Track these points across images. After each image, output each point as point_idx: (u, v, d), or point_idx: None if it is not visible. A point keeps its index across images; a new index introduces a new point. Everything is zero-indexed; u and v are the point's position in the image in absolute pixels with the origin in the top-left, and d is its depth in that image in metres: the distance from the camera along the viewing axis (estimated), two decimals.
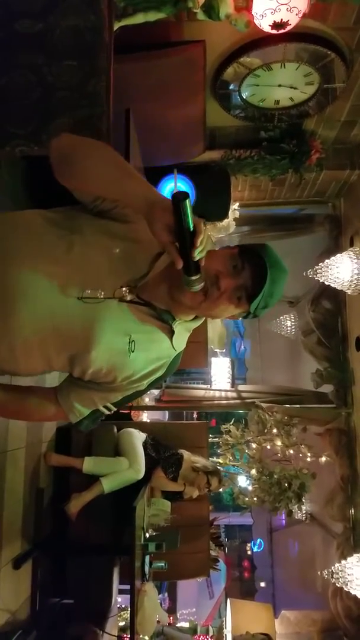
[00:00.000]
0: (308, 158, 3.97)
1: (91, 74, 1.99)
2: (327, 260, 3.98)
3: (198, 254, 1.02)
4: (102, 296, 1.14)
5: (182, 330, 1.27)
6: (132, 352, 1.18)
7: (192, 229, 1.00)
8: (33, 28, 1.92)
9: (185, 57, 2.99)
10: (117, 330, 1.17)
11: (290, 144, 3.93)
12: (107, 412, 1.31)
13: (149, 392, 5.50)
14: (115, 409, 1.32)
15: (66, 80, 1.95)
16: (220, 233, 4.74)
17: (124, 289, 1.16)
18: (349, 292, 3.98)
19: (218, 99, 3.64)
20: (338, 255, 3.95)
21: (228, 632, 4.56)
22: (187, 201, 0.98)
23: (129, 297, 1.16)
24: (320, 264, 3.98)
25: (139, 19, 2.59)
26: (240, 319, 1.31)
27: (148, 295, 1.19)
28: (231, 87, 3.59)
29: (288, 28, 2.75)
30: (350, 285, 3.86)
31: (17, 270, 1.13)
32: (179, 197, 0.97)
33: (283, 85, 3.48)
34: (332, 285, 3.97)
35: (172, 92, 3.14)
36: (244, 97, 3.60)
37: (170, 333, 1.24)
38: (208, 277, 1.13)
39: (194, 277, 1.07)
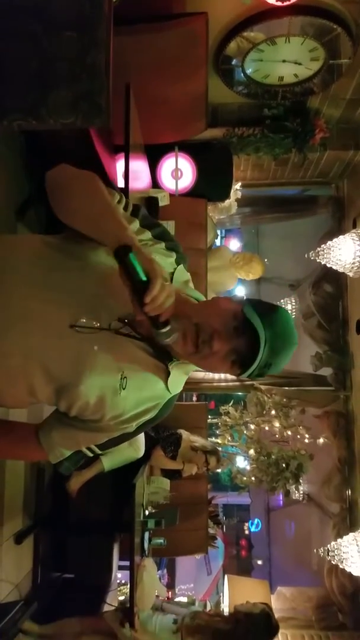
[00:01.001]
0: (312, 137, 3.91)
1: (90, 46, 1.95)
2: (329, 242, 3.95)
3: (152, 310, 0.94)
4: (97, 326, 1.06)
5: (179, 373, 1.18)
6: (124, 389, 1.09)
7: (145, 279, 0.92)
8: None
9: (187, 30, 2.92)
10: (110, 365, 1.08)
11: (294, 123, 3.87)
12: (89, 454, 1.20)
13: None
14: (99, 452, 1.21)
15: (65, 52, 1.91)
16: (222, 214, 4.70)
17: (120, 321, 1.08)
18: (350, 274, 3.96)
19: (220, 74, 3.57)
20: (340, 237, 3.92)
21: (225, 606, 4.64)
22: (131, 255, 0.91)
23: (125, 330, 1.08)
24: (322, 246, 3.95)
25: None
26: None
27: (146, 331, 1.09)
28: (234, 62, 3.53)
29: (293, 0, 2.68)
30: (352, 268, 3.83)
31: (8, 295, 1.08)
32: (120, 253, 0.91)
33: (287, 60, 3.41)
34: (334, 267, 3.94)
35: (173, 67, 3.07)
36: (247, 72, 3.54)
37: (166, 374, 1.14)
38: (203, 332, 1.06)
39: (161, 330, 0.98)
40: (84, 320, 1.06)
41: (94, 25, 1.91)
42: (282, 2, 2.67)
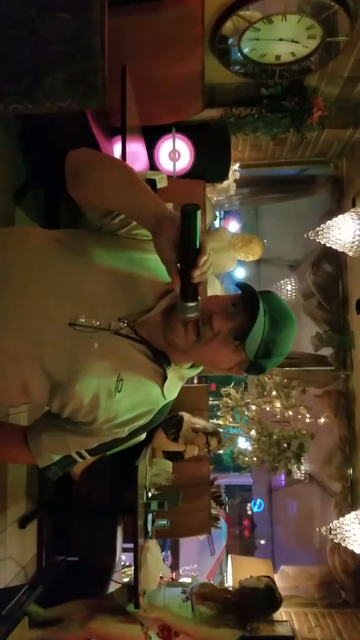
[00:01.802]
0: (310, 116, 3.88)
1: (85, 28, 1.92)
2: (328, 222, 3.94)
3: (198, 276, 0.93)
4: (96, 325, 1.04)
5: (176, 379, 1.15)
6: (119, 392, 1.07)
7: (198, 246, 0.91)
8: None
9: (182, 10, 2.88)
10: (107, 366, 1.06)
11: (291, 102, 3.83)
12: (79, 460, 1.15)
13: None
14: (89, 457, 1.16)
15: (59, 34, 1.89)
16: (220, 195, 4.67)
17: (121, 322, 1.06)
18: (350, 253, 3.95)
19: (217, 54, 3.52)
20: (340, 216, 3.91)
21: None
22: (198, 213, 0.89)
23: (124, 332, 1.06)
24: (321, 226, 3.94)
25: None
26: (244, 374, 1.16)
27: (146, 334, 1.08)
28: (230, 41, 3.48)
29: None
30: (352, 247, 3.83)
31: (5, 287, 1.05)
32: (189, 208, 0.88)
33: (284, 39, 3.36)
34: (334, 247, 3.94)
35: (169, 47, 3.03)
36: (244, 52, 3.49)
37: (163, 379, 1.11)
38: (202, 316, 1.03)
39: (190, 304, 0.97)
40: (83, 319, 1.03)
41: (89, 6, 1.88)
42: None
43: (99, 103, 1.86)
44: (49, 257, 1.08)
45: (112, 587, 3.92)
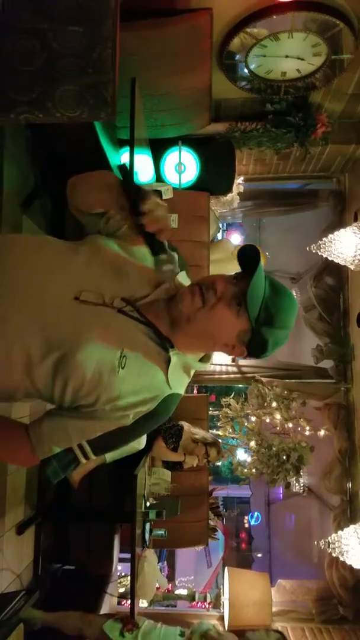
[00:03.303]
0: (314, 132, 3.93)
1: (97, 41, 1.97)
2: (330, 235, 3.97)
3: (148, 223, 1.06)
4: (99, 301, 1.09)
5: (180, 368, 1.17)
6: (122, 368, 1.07)
7: (139, 192, 1.04)
8: None
9: (191, 25, 2.94)
10: (110, 339, 1.08)
11: (296, 117, 3.89)
12: (81, 459, 1.12)
13: None
14: (92, 456, 1.12)
15: (71, 47, 1.93)
16: (224, 207, 4.72)
17: (123, 301, 1.11)
18: (352, 267, 3.99)
19: (224, 69, 3.58)
20: (342, 230, 3.94)
21: (225, 599, 4.68)
22: (125, 165, 1.05)
23: (125, 309, 1.11)
24: (323, 239, 3.97)
25: None
26: (245, 356, 1.18)
27: (151, 316, 1.13)
28: (237, 57, 3.54)
29: None
30: (353, 261, 3.86)
31: (15, 264, 1.12)
32: (123, 168, 1.04)
33: (290, 56, 3.42)
34: (335, 260, 3.97)
35: (178, 62, 3.08)
36: (251, 68, 3.55)
37: (167, 363, 1.13)
38: (205, 283, 1.11)
39: (162, 256, 1.10)
40: (88, 294, 1.09)
41: (101, 21, 1.93)
42: None
43: (109, 115, 1.90)
44: (57, 247, 1.19)
45: (107, 600, 3.91)
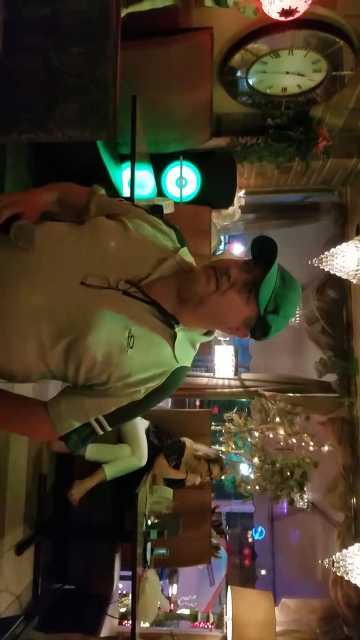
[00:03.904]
0: (315, 146, 3.94)
1: (98, 60, 1.97)
2: (332, 249, 3.95)
3: None
4: (105, 285, 1.14)
5: (186, 342, 1.22)
6: (131, 348, 1.13)
7: None
8: (40, 12, 1.90)
9: (192, 44, 2.96)
10: (117, 320, 1.13)
11: (297, 132, 3.90)
12: (99, 430, 1.19)
13: None
14: (108, 428, 1.20)
15: (73, 66, 1.93)
16: (226, 220, 4.72)
17: (128, 283, 1.16)
18: (354, 281, 3.96)
19: (225, 85, 3.60)
20: (344, 244, 3.93)
21: (228, 619, 4.61)
22: None
23: (131, 290, 1.15)
24: (325, 253, 3.95)
25: (146, 5, 2.56)
26: (248, 336, 1.23)
27: (156, 295, 1.17)
28: (238, 73, 3.56)
29: (296, 15, 2.71)
30: (355, 275, 3.84)
31: (23, 253, 1.15)
32: None
33: (290, 72, 3.44)
34: (338, 274, 3.95)
35: (180, 79, 3.10)
36: (251, 83, 3.56)
37: (173, 339, 1.18)
38: (220, 269, 1.15)
39: (15, 232, 1.14)
40: (93, 278, 1.14)
41: (102, 40, 1.93)
42: (286, 17, 2.69)
43: (110, 135, 1.90)
44: (59, 233, 1.21)
45: (108, 620, 3.84)
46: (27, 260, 1.15)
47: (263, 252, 1.17)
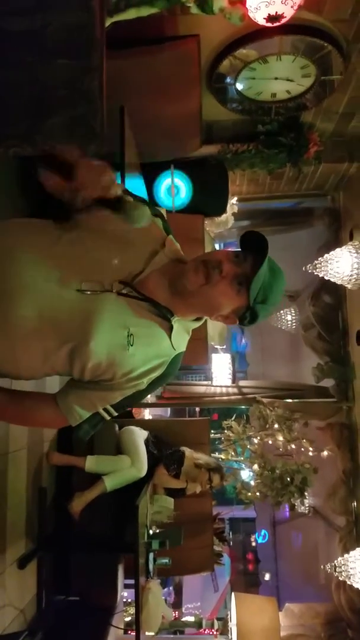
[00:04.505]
0: (306, 151, 3.94)
1: (83, 73, 1.95)
2: (326, 255, 3.94)
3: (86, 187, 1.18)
4: (100, 288, 1.17)
5: (182, 330, 1.28)
6: (131, 345, 1.18)
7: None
8: (22, 26, 1.89)
9: (180, 52, 2.96)
10: (116, 322, 1.18)
11: (288, 137, 3.90)
12: (107, 417, 1.27)
13: None
14: (115, 413, 1.28)
15: (58, 79, 1.92)
16: (219, 228, 4.71)
17: (121, 284, 1.19)
18: (349, 286, 3.95)
19: (214, 92, 3.60)
20: (337, 250, 3.92)
21: (233, 625, 4.57)
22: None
23: (125, 291, 1.19)
24: (319, 259, 3.94)
25: (131, 14, 2.54)
26: (237, 324, 1.31)
27: (148, 292, 1.21)
28: (227, 80, 3.56)
29: (283, 21, 2.71)
30: (350, 280, 3.83)
31: (16, 264, 1.16)
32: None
33: (279, 78, 3.44)
34: (332, 279, 3.94)
35: (168, 87, 3.10)
36: (240, 90, 3.56)
37: (169, 330, 1.24)
38: (211, 262, 1.19)
39: (125, 208, 1.19)
40: (88, 284, 1.16)
41: (87, 52, 1.92)
42: (272, 23, 2.69)
43: (98, 147, 1.88)
44: (50, 237, 1.22)
45: (113, 630, 3.80)
46: (22, 273, 1.16)
47: (253, 244, 1.22)
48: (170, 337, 1.24)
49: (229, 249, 1.29)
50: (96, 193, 1.19)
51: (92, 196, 1.20)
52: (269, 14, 2.66)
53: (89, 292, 1.16)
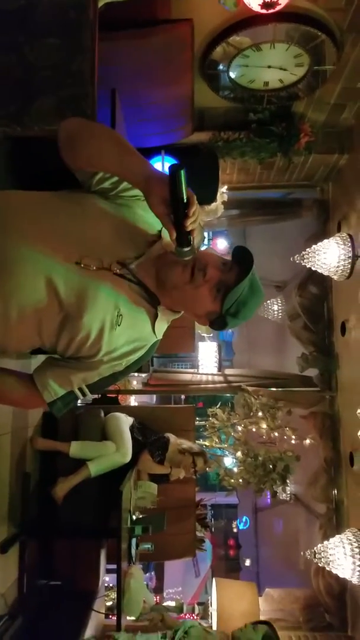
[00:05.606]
0: (297, 141, 3.93)
1: (75, 53, 1.92)
2: (314, 246, 3.95)
3: (190, 224, 1.09)
4: (99, 265, 1.18)
5: (163, 319, 1.32)
6: (119, 325, 1.22)
7: (185, 199, 1.05)
8: (13, 4, 1.85)
9: (172, 36, 2.92)
10: (109, 301, 1.20)
11: (279, 127, 3.88)
12: (80, 397, 1.30)
13: (136, 375, 5.50)
14: (89, 394, 1.31)
15: (48, 60, 1.89)
16: (209, 216, 4.69)
17: (119, 264, 1.21)
18: (335, 277, 3.97)
19: (206, 79, 3.57)
20: (325, 241, 3.92)
21: (214, 610, 4.64)
22: (183, 171, 1.01)
23: (121, 272, 1.21)
24: (307, 250, 3.95)
25: None
26: (207, 326, 1.34)
27: (141, 276, 1.24)
28: (220, 67, 3.53)
29: (278, 8, 2.69)
30: (336, 271, 3.84)
31: (17, 236, 1.16)
32: (175, 168, 1.02)
33: (272, 66, 3.42)
34: (319, 270, 3.95)
35: (160, 72, 3.06)
36: (233, 77, 3.54)
37: (154, 317, 1.29)
38: (199, 263, 1.22)
39: (185, 249, 1.13)
40: (88, 260, 1.18)
41: (79, 32, 1.89)
42: (267, 10, 2.68)
43: None
44: (53, 208, 1.23)
45: (94, 616, 3.83)
46: (24, 244, 1.16)
47: (241, 258, 1.25)
48: (153, 323, 1.29)
49: (219, 255, 1.31)
50: (192, 227, 1.13)
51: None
52: (264, 1, 2.65)
53: (93, 268, 1.17)
